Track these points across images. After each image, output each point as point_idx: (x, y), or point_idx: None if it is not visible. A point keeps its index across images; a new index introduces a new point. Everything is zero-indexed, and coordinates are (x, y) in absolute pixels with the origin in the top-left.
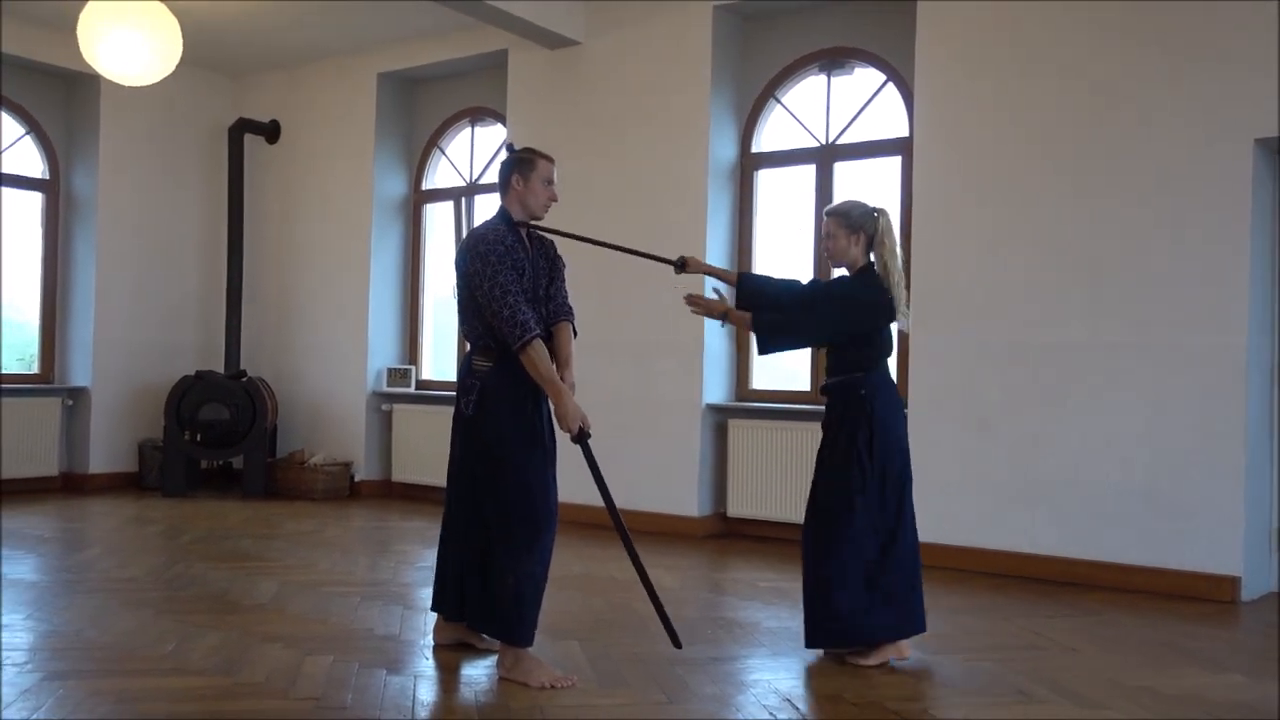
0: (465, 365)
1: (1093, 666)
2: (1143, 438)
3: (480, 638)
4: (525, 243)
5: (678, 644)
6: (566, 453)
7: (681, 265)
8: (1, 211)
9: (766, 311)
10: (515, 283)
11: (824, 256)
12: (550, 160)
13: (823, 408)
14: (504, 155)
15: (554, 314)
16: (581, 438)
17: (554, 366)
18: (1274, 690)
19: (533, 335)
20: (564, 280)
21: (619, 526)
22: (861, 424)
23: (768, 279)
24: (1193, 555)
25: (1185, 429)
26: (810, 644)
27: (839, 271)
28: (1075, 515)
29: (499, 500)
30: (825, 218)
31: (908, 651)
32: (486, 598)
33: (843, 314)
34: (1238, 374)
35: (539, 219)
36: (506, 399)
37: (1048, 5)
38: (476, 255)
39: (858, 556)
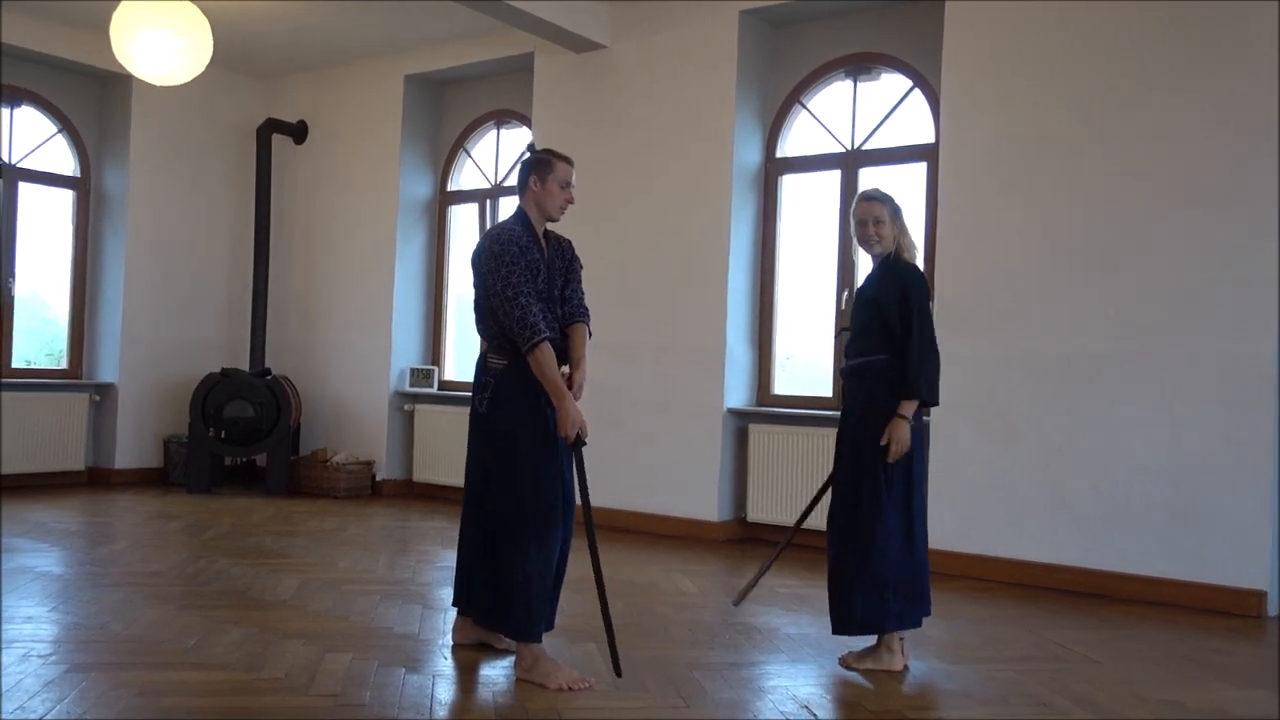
0: (481, 363)
1: (1116, 679)
2: (1167, 447)
3: (499, 638)
4: (542, 243)
5: (618, 673)
6: (586, 454)
7: None
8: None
9: (912, 384)
10: (528, 284)
11: (871, 241)
12: (569, 163)
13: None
14: (525, 156)
15: (569, 315)
16: (577, 444)
17: (559, 371)
18: None
19: (541, 338)
20: (580, 281)
21: (590, 537)
22: (891, 408)
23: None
24: (1218, 568)
25: (1210, 439)
26: (837, 630)
27: (866, 261)
28: (1098, 525)
29: (511, 496)
30: (867, 202)
31: (900, 664)
32: (496, 595)
33: (928, 315)
34: (1264, 383)
35: (555, 220)
36: (521, 397)
37: (1074, 11)
38: (491, 255)
39: (885, 547)
